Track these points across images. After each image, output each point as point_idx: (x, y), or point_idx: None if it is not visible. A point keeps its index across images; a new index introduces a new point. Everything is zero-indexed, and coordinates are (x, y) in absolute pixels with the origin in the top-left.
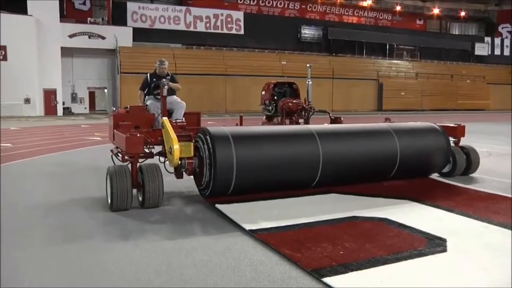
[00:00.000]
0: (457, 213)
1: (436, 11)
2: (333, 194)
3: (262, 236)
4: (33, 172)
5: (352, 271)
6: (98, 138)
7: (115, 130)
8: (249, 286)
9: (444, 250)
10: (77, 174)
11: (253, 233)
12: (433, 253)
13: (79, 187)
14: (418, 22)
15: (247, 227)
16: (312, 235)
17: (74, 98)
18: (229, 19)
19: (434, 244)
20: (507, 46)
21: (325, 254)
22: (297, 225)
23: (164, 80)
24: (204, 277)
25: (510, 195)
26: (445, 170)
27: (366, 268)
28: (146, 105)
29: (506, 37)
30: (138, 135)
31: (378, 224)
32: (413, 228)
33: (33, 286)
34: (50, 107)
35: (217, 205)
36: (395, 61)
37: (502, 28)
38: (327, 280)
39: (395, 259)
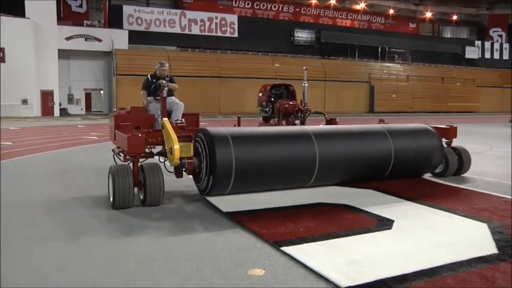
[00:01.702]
0: (419, 203)
1: (428, 14)
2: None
3: (236, 217)
4: (34, 168)
5: (306, 242)
6: (95, 137)
7: (116, 131)
8: (221, 254)
9: (389, 228)
10: (77, 170)
11: (229, 215)
12: (378, 230)
13: (80, 181)
14: (411, 25)
15: (225, 209)
16: (280, 217)
17: (70, 99)
18: (223, 22)
19: (382, 224)
20: (496, 49)
21: (287, 231)
22: (269, 209)
23: (163, 81)
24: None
25: (491, 193)
26: (438, 170)
27: (319, 240)
28: (150, 102)
29: (497, 40)
30: (139, 135)
31: (339, 209)
32: (369, 212)
33: (35, 284)
34: (47, 108)
35: (206, 197)
36: (387, 64)
37: (493, 31)
38: (284, 248)
39: (345, 234)
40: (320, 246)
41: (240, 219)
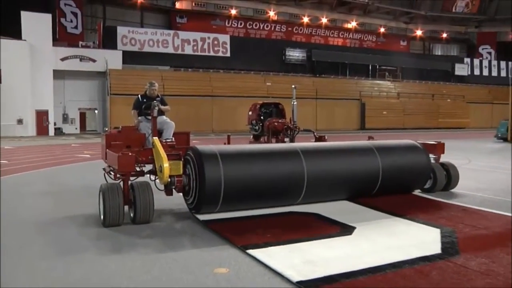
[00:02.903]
0: (385, 212)
1: (419, 32)
2: None
3: (212, 226)
4: (26, 185)
5: (271, 246)
6: (88, 156)
7: (107, 150)
8: (192, 257)
9: (350, 234)
10: (67, 187)
11: (206, 224)
12: (339, 236)
13: (71, 197)
14: (402, 43)
15: (201, 218)
16: (252, 224)
17: (65, 118)
18: (215, 42)
19: (344, 230)
20: (485, 66)
21: (255, 236)
22: (243, 217)
23: (154, 102)
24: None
25: (454, 203)
26: (426, 186)
27: (282, 244)
28: (141, 122)
29: (486, 57)
30: (130, 154)
31: (308, 217)
32: (335, 220)
33: None
34: (42, 128)
35: (195, 214)
36: (377, 81)
37: (482, 49)
38: (250, 251)
39: (307, 239)
40: (282, 249)
41: (215, 227)
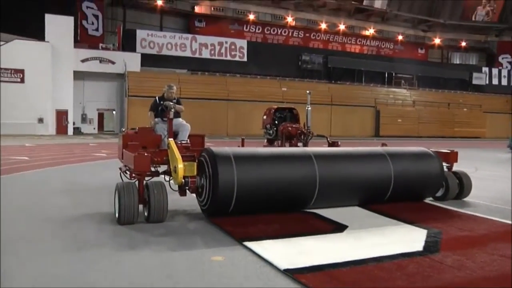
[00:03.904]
0: (380, 214)
1: (437, 41)
2: None
3: (215, 220)
4: (47, 179)
5: (267, 239)
6: (104, 154)
7: (124, 149)
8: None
9: (341, 232)
10: (86, 183)
11: (208, 218)
12: (331, 233)
13: (87, 194)
14: (419, 51)
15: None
16: (252, 220)
17: (84, 118)
18: (233, 47)
19: (337, 229)
20: (504, 76)
21: (254, 231)
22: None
23: (171, 103)
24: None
25: (447, 207)
26: (438, 194)
27: (277, 238)
28: (157, 124)
29: (506, 67)
30: (146, 154)
31: (307, 216)
32: (331, 220)
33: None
34: (61, 127)
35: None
36: (393, 89)
37: (502, 58)
38: (246, 243)
39: (301, 235)
40: (277, 242)
41: (216, 221)
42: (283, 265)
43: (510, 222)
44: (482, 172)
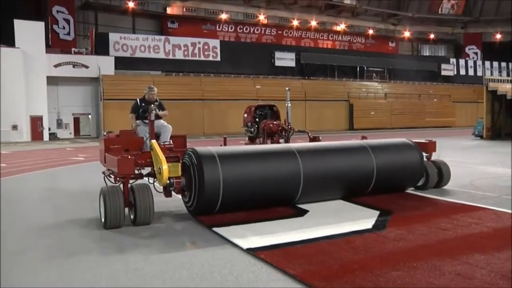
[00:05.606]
0: (350, 201)
1: (407, 34)
2: None
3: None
4: (27, 185)
5: (233, 225)
6: (82, 158)
7: (106, 153)
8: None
9: (301, 216)
10: (64, 186)
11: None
12: (291, 217)
13: (68, 197)
14: (390, 44)
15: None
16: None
17: (59, 124)
18: (206, 47)
19: (298, 213)
20: (471, 66)
21: (223, 220)
22: None
23: (152, 105)
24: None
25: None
26: (419, 183)
27: (243, 224)
28: (138, 126)
29: (473, 58)
30: (129, 157)
31: None
32: (296, 206)
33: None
34: (36, 133)
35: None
36: (365, 83)
37: (469, 49)
38: (214, 228)
39: (265, 220)
40: (241, 227)
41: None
42: (244, 245)
43: (455, 201)
44: (443, 159)
